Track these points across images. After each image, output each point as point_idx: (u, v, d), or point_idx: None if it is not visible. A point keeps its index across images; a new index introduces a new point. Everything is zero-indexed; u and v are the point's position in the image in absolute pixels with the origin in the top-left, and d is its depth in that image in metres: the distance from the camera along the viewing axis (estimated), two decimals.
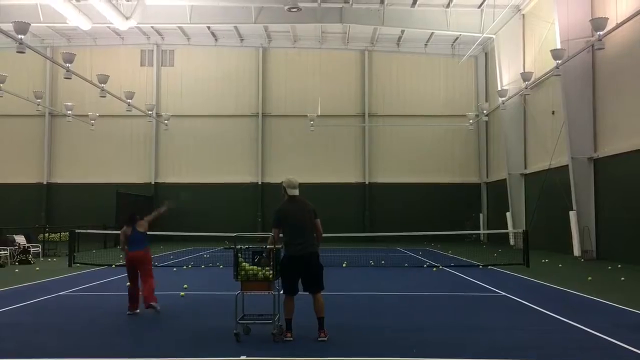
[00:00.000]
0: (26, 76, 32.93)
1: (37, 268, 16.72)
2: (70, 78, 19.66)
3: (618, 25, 15.89)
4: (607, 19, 16.13)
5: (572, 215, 20.47)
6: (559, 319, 8.51)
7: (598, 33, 15.88)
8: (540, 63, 23.72)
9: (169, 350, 6.75)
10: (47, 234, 23.90)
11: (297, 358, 6.38)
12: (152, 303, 8.95)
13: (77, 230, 19.96)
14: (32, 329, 7.99)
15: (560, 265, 17.36)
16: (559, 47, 19.63)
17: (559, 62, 18.29)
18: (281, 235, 7.36)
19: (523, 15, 27.20)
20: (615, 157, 18.93)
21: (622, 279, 13.65)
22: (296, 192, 7.42)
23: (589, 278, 13.83)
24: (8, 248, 18.37)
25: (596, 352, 6.64)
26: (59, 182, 34.47)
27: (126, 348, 6.97)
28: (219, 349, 6.68)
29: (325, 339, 7.03)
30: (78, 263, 17.46)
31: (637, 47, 17.80)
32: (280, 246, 7.34)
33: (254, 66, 34.83)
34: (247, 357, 6.32)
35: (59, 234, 25.47)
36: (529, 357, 6.38)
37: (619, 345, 6.82)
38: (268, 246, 7.26)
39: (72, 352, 6.66)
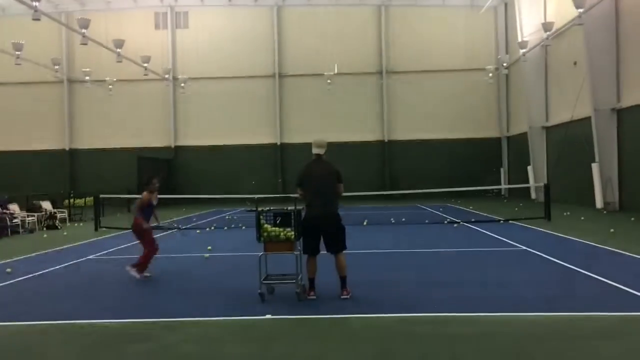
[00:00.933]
0: (43, 43, 32.98)
1: (65, 233, 17.11)
2: (86, 44, 19.72)
3: None
4: None
5: (595, 167, 20.25)
6: (581, 272, 8.53)
7: None
8: (562, 12, 23.06)
9: (196, 310, 6.93)
10: (72, 200, 24.34)
11: (320, 315, 6.52)
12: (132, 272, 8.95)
13: (101, 195, 20.30)
14: (64, 292, 8.26)
15: (582, 218, 17.28)
16: None
17: (581, 10, 17.81)
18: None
19: None
20: (639, 107, 18.54)
21: None
22: (321, 151, 7.46)
23: (612, 230, 13.77)
24: (35, 214, 18.80)
25: (619, 303, 6.67)
26: (80, 148, 34.90)
27: (152, 310, 7.16)
28: (245, 309, 6.85)
29: (348, 296, 7.15)
30: (104, 227, 17.83)
31: None
32: (302, 207, 7.41)
33: (269, 26, 34.43)
34: (272, 315, 6.48)
35: (83, 199, 25.93)
36: (553, 310, 6.44)
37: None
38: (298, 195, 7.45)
39: (100, 314, 6.87)
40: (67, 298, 7.90)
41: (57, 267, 10.49)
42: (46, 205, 20.39)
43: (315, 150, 7.45)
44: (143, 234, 9.33)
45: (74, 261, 11.18)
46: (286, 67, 34.46)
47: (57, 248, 13.32)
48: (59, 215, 19.68)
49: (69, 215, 21.57)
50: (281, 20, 34.49)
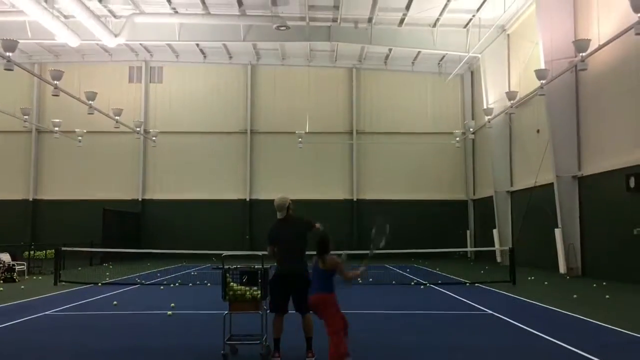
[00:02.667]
0: (13, 92, 32.87)
1: (22, 286, 16.52)
2: (58, 95, 19.69)
3: (600, 47, 16.22)
4: (590, 40, 16.49)
5: (558, 232, 20.68)
6: (545, 338, 8.58)
7: (581, 54, 16.24)
8: (525, 82, 24.08)
9: None
10: (32, 252, 23.65)
11: None
12: None
13: (63, 248, 19.78)
14: (16, 351, 7.91)
15: (546, 282, 17.49)
16: (543, 67, 19.97)
17: (543, 82, 18.61)
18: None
19: (508, 35, 27.67)
20: (599, 175, 19.20)
21: (607, 297, 13.77)
22: (282, 214, 7.43)
23: (575, 296, 13.95)
24: None
25: None
26: (45, 198, 34.22)
27: None
28: None
29: (313, 359, 7.03)
30: (64, 281, 17.28)
31: (619, 68, 18.17)
32: (269, 266, 7.37)
33: (243, 83, 34.99)
34: None
35: (44, 251, 25.21)
36: None
37: None
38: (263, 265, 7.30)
39: None
40: (18, 358, 7.56)
41: (8, 323, 10.08)
42: (4, 257, 19.74)
43: (279, 215, 7.46)
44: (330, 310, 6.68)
45: (29, 317, 10.77)
46: (258, 124, 34.83)
47: (12, 302, 12.84)
48: (17, 268, 19.05)
49: (28, 267, 20.90)
50: (255, 79, 35.11)
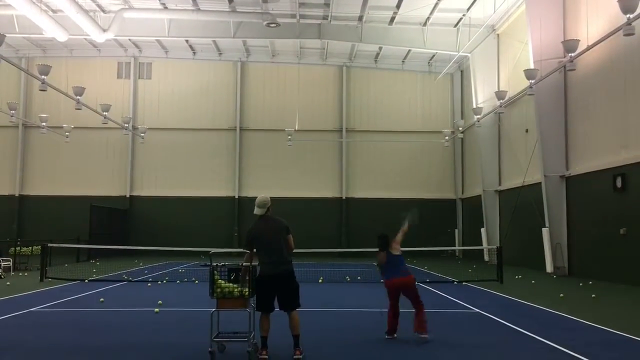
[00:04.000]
0: (0, 86, 32.49)
1: (8, 283, 16.37)
2: (45, 90, 19.45)
3: (589, 47, 16.31)
4: (579, 41, 16.57)
5: (545, 232, 20.80)
6: (531, 336, 8.63)
7: (570, 54, 16.31)
8: (514, 82, 24.19)
9: None
10: (18, 248, 23.46)
11: None
12: (423, 335, 8.14)
13: (49, 244, 19.63)
14: (1, 347, 7.83)
15: (533, 281, 17.59)
16: (532, 67, 20.04)
17: (532, 81, 18.68)
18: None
19: (498, 35, 27.77)
20: (587, 175, 19.33)
21: (593, 296, 13.88)
22: (262, 211, 7.37)
23: (561, 295, 14.05)
24: None
25: None
26: (31, 194, 33.91)
27: None
28: None
29: (301, 357, 7.02)
30: (50, 278, 17.14)
31: (607, 68, 18.30)
32: (256, 264, 7.34)
33: (232, 80, 34.86)
34: None
35: (30, 247, 25.00)
36: None
37: None
38: (244, 264, 7.27)
39: None
40: (2, 355, 7.48)
41: None
42: None
43: (257, 212, 7.37)
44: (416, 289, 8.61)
45: (14, 314, 10.68)
46: (247, 121, 34.74)
47: None
48: (3, 264, 18.88)
49: (14, 263, 20.72)
50: (244, 76, 34.99)
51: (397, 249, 8.68)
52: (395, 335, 8.34)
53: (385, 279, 8.57)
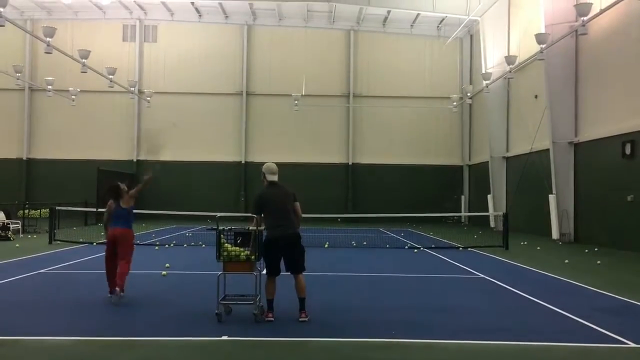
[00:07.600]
0: (5, 49, 32.29)
1: (17, 245, 16.58)
2: (50, 52, 19.34)
3: (602, 11, 15.99)
4: (591, 4, 16.21)
5: (552, 198, 20.75)
6: (535, 301, 8.68)
7: (582, 18, 15.98)
8: (525, 47, 23.78)
9: (149, 330, 6.78)
10: (27, 211, 23.66)
11: (278, 338, 6.45)
12: (116, 288, 8.14)
13: (57, 207, 19.79)
14: (10, 307, 7.96)
15: (538, 248, 17.64)
16: (543, 31, 19.70)
17: (543, 46, 18.36)
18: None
19: None
20: (595, 142, 19.16)
21: (598, 262, 13.91)
22: (275, 177, 7.54)
23: (566, 261, 14.09)
24: None
25: (571, 334, 6.78)
26: (38, 158, 34.04)
27: (106, 328, 6.97)
28: (201, 330, 6.74)
29: (306, 319, 7.11)
30: (58, 240, 17.34)
31: (619, 34, 17.95)
32: (262, 228, 7.37)
33: (239, 44, 34.48)
34: (228, 337, 6.38)
35: (39, 210, 25.20)
36: (503, 338, 6.50)
37: (594, 328, 6.98)
38: (251, 228, 7.32)
39: (49, 331, 6.65)
40: (15, 313, 7.61)
41: (4, 280, 10.13)
42: None
43: (270, 178, 7.50)
44: (129, 245, 8.65)
45: (24, 275, 10.82)
46: (254, 86, 34.48)
47: (7, 260, 12.88)
48: (12, 226, 19.08)
49: (23, 226, 20.94)
50: (251, 39, 34.59)
51: (127, 202, 8.69)
52: (122, 293, 8.11)
53: (110, 227, 8.62)
